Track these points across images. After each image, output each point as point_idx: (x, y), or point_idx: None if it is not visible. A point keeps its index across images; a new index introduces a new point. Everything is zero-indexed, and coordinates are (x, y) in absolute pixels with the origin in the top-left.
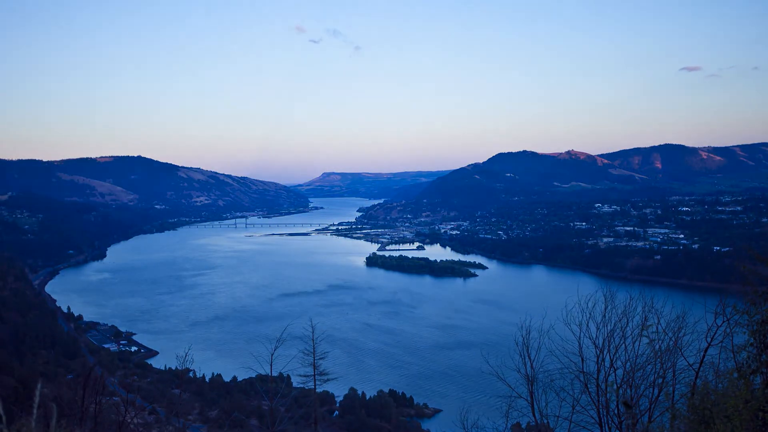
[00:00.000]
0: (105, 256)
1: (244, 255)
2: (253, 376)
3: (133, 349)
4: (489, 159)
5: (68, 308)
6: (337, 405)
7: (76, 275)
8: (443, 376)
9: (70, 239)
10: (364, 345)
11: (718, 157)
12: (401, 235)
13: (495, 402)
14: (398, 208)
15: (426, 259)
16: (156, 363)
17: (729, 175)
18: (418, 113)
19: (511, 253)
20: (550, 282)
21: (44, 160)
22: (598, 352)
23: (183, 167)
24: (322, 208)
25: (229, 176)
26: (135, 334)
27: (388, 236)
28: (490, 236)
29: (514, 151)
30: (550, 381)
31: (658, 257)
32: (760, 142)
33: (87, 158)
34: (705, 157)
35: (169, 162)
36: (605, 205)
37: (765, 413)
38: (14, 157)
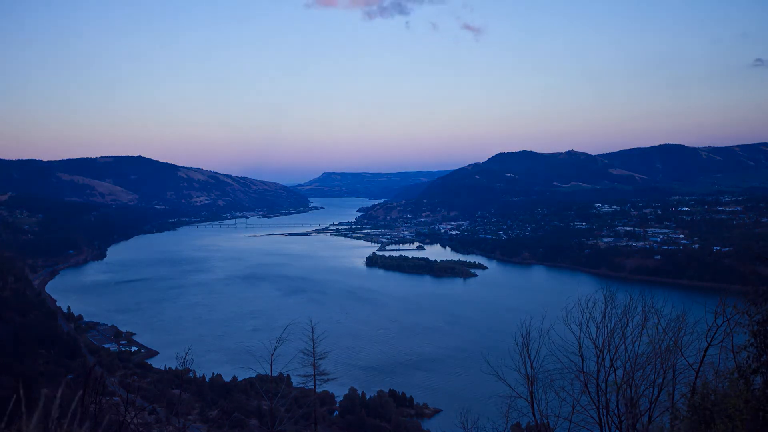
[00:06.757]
0: (105, 256)
1: (244, 255)
2: (253, 376)
3: (133, 349)
4: (489, 159)
5: (68, 308)
6: (337, 405)
7: (76, 275)
8: (443, 375)
9: (70, 239)
10: (363, 345)
11: (718, 157)
12: (401, 235)
13: (495, 402)
14: (398, 208)
15: (426, 259)
16: (156, 363)
17: (729, 175)
18: (418, 113)
19: (511, 253)
20: (550, 282)
21: (44, 160)
22: (598, 352)
23: (183, 167)
24: (322, 208)
25: (229, 176)
26: (135, 334)
27: (388, 236)
28: (490, 236)
29: (514, 151)
30: (550, 381)
31: (658, 257)
32: (760, 142)
33: (87, 158)
34: (705, 157)
35: (169, 162)
36: (605, 205)
37: (765, 413)
38: (14, 157)
